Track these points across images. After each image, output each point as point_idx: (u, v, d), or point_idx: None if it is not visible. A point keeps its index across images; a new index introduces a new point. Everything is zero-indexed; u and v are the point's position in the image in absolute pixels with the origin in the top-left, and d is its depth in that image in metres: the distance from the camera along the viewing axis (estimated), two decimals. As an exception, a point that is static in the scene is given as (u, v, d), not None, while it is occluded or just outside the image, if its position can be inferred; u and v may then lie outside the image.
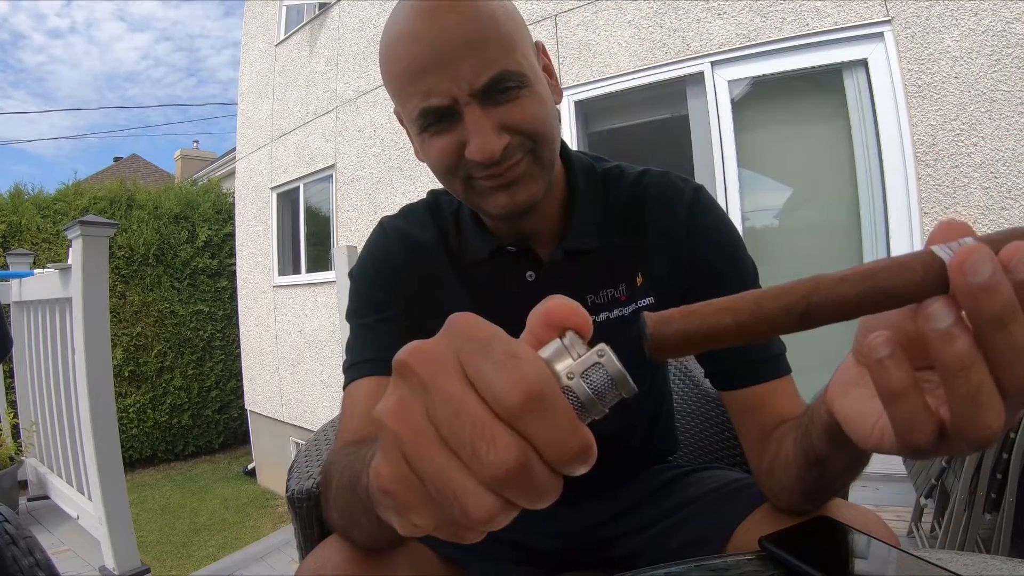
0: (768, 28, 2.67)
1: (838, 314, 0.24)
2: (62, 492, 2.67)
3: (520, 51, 0.54)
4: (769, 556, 0.46)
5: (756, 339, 0.25)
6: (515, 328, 0.24)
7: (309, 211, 5.15)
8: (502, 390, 0.21)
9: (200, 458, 6.07)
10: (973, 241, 0.24)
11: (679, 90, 2.96)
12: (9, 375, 3.42)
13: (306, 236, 5.11)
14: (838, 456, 0.42)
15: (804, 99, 2.79)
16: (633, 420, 0.73)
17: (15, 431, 3.12)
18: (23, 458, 3.02)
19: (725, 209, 1.00)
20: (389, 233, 0.69)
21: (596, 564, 0.73)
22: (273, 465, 5.05)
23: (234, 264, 6.08)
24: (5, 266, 4.21)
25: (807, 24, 2.58)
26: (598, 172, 0.68)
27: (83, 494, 2.43)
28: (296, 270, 5.15)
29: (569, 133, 3.21)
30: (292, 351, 4.89)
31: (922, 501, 1.83)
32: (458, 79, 0.51)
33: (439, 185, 0.63)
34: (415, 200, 0.73)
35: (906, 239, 2.38)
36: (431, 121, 0.54)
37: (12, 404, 3.30)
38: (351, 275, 0.69)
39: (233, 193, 6.24)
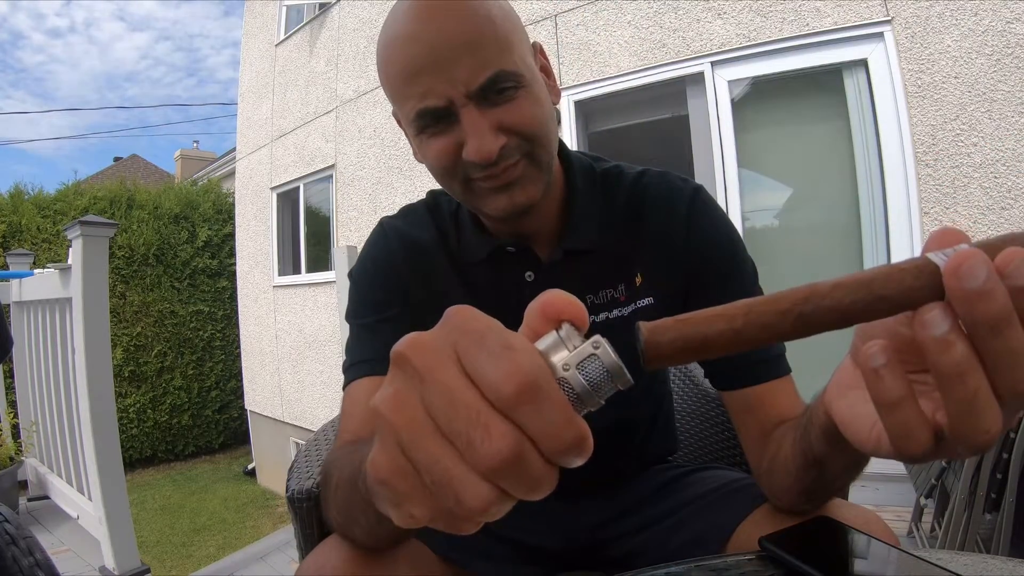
0: (768, 28, 2.67)
1: (833, 321, 0.24)
2: (62, 492, 2.67)
3: (517, 52, 0.54)
4: (769, 556, 0.46)
5: (752, 347, 0.25)
6: (514, 328, 0.24)
7: (309, 211, 5.15)
8: (497, 380, 0.21)
9: (200, 458, 6.08)
10: (968, 247, 0.24)
11: (679, 90, 2.96)
12: (9, 375, 3.42)
13: (306, 236, 5.11)
14: (837, 457, 0.41)
15: (804, 99, 2.78)
16: (633, 420, 0.73)
17: (15, 431, 3.12)
18: (23, 458, 3.02)
19: (725, 209, 1.00)
20: (389, 233, 0.69)
21: (596, 564, 0.73)
22: (273, 465, 5.05)
23: (234, 264, 6.08)
24: (5, 266, 4.22)
25: (807, 24, 2.58)
26: (597, 172, 0.68)
27: (83, 494, 2.43)
28: (296, 270, 5.15)
29: (569, 133, 3.21)
30: (292, 351, 4.89)
31: (922, 501, 1.83)
32: (454, 80, 0.51)
33: (439, 185, 0.63)
34: (415, 200, 0.73)
35: (906, 239, 2.38)
36: (428, 122, 0.54)
37: (12, 404, 3.30)
38: (351, 275, 0.69)
39: (233, 193, 6.24)
